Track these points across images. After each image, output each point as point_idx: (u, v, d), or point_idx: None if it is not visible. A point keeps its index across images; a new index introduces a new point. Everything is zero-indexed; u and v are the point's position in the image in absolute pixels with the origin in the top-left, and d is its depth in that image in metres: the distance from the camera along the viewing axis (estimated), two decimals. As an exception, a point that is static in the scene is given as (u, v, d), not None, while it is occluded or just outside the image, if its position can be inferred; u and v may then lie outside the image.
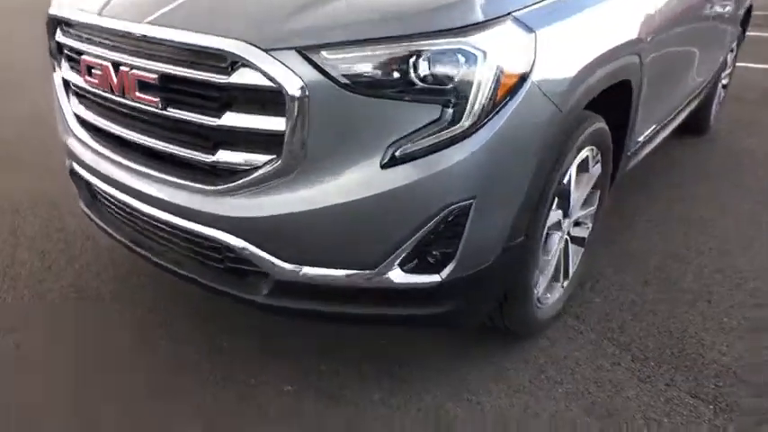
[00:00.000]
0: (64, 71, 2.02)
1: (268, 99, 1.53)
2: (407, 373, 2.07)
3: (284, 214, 1.61)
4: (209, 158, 1.66)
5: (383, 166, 1.55)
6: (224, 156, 1.64)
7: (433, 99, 1.52)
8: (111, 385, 1.98)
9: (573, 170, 2.00)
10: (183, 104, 1.66)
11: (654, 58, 2.34)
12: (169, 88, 1.66)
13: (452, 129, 1.53)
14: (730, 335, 2.32)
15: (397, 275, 1.66)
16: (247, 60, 1.50)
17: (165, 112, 1.68)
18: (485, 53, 1.52)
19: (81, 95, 1.99)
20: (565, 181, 1.97)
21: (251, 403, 1.93)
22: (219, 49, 1.53)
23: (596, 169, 2.23)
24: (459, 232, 1.62)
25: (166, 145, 1.74)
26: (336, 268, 1.67)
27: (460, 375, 2.07)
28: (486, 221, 1.66)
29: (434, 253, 1.66)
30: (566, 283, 2.33)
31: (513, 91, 1.58)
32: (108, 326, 2.22)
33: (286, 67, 1.49)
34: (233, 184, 1.64)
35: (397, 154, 1.54)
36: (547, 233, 2.09)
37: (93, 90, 1.86)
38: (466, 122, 1.53)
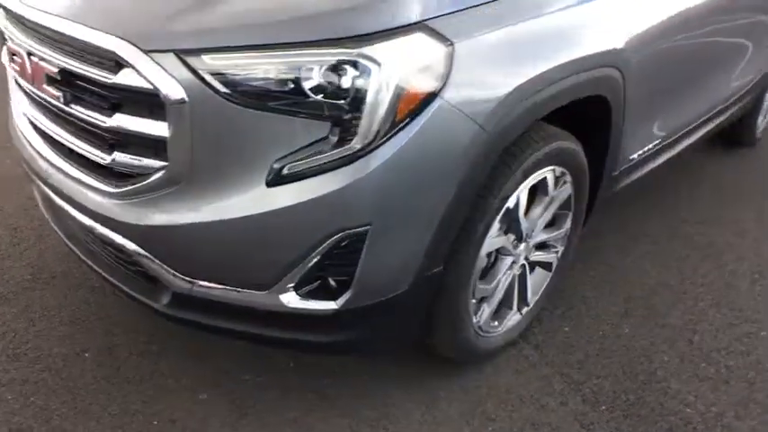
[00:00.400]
0: (2, 54, 1.99)
1: (152, 103, 1.44)
2: (333, 391, 1.96)
3: (173, 225, 1.52)
4: (106, 159, 1.59)
5: (268, 184, 1.43)
6: (118, 158, 1.56)
7: (320, 115, 1.38)
8: (19, 377, 1.96)
9: (521, 193, 1.81)
10: (80, 101, 1.59)
11: (649, 68, 2.09)
12: (68, 83, 1.60)
13: (342, 149, 1.39)
14: (704, 384, 2.08)
15: (290, 299, 1.55)
16: (125, 60, 1.41)
17: (67, 108, 1.62)
18: (380, 66, 1.36)
19: (16, 82, 1.96)
20: (510, 205, 1.79)
21: (159, 408, 1.87)
22: (102, 47, 1.45)
23: (563, 190, 2.02)
24: (355, 260, 1.49)
25: (73, 142, 1.68)
26: (230, 286, 1.58)
27: (388, 398, 1.95)
28: (388, 250, 1.52)
29: (329, 280, 1.54)
30: (525, 310, 2.15)
31: (418, 109, 1.42)
32: (45, 314, 2.21)
33: (164, 70, 1.39)
34: (126, 189, 1.57)
35: (284, 172, 1.42)
36: (495, 258, 1.94)
37: (18, 78, 1.83)
38: (357, 144, 1.39)
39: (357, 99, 1.37)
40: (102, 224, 1.66)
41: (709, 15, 2.35)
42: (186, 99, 1.39)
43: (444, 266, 1.65)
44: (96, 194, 1.65)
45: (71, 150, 1.72)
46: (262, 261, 1.51)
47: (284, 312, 1.57)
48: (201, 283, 1.60)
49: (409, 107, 1.41)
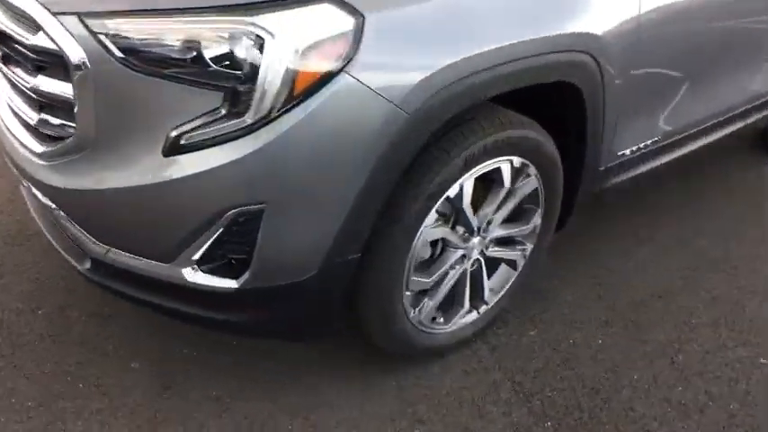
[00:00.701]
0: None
1: (62, 65, 1.42)
2: (264, 375, 1.92)
3: (81, 190, 1.52)
4: (33, 120, 1.60)
5: (165, 154, 1.39)
6: (42, 119, 1.57)
7: (215, 85, 1.32)
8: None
9: (466, 182, 1.69)
10: (13, 62, 1.61)
11: (638, 59, 1.90)
12: (4, 43, 1.61)
13: (236, 122, 1.33)
14: (675, 410, 1.89)
15: (191, 274, 1.51)
16: (36, 21, 1.41)
17: (5, 68, 1.64)
18: (274, 36, 1.28)
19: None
20: (451, 195, 1.67)
21: (91, 372, 1.89)
22: (20, 8, 1.45)
23: (527, 184, 1.88)
24: (252, 240, 1.43)
25: (10, 100, 1.71)
26: (136, 255, 1.55)
27: (318, 387, 1.89)
28: (289, 232, 1.45)
29: (230, 257, 1.49)
30: (483, 309, 2.03)
31: (318, 85, 1.32)
32: (16, 269, 2.28)
33: (68, 32, 1.37)
34: (46, 150, 1.57)
35: (181, 142, 1.37)
36: (442, 250, 1.83)
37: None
38: (249, 118, 1.32)
39: (251, 71, 1.30)
40: (34, 185, 1.68)
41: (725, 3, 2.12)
42: (87, 63, 1.37)
43: (363, 253, 1.57)
44: (31, 156, 1.66)
45: (18, 115, 1.74)
46: (159, 232, 1.48)
47: (187, 287, 1.53)
48: (114, 249, 1.58)
49: (307, 82, 1.32)
